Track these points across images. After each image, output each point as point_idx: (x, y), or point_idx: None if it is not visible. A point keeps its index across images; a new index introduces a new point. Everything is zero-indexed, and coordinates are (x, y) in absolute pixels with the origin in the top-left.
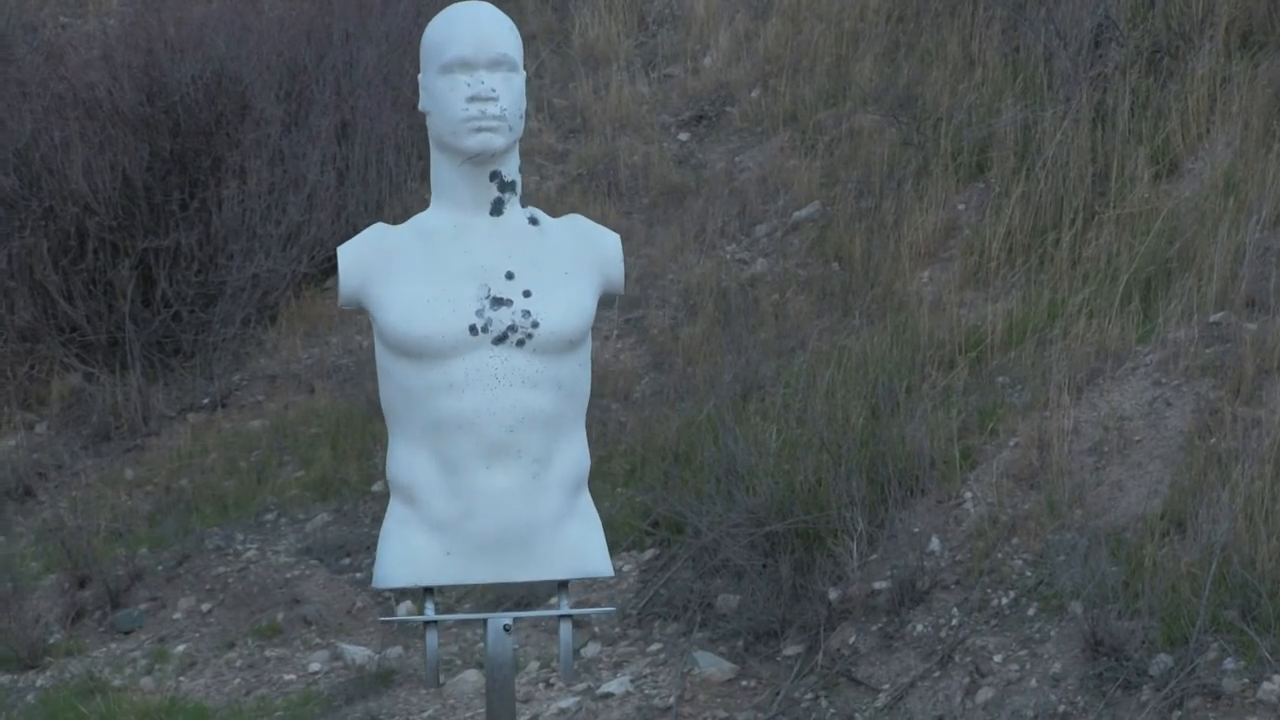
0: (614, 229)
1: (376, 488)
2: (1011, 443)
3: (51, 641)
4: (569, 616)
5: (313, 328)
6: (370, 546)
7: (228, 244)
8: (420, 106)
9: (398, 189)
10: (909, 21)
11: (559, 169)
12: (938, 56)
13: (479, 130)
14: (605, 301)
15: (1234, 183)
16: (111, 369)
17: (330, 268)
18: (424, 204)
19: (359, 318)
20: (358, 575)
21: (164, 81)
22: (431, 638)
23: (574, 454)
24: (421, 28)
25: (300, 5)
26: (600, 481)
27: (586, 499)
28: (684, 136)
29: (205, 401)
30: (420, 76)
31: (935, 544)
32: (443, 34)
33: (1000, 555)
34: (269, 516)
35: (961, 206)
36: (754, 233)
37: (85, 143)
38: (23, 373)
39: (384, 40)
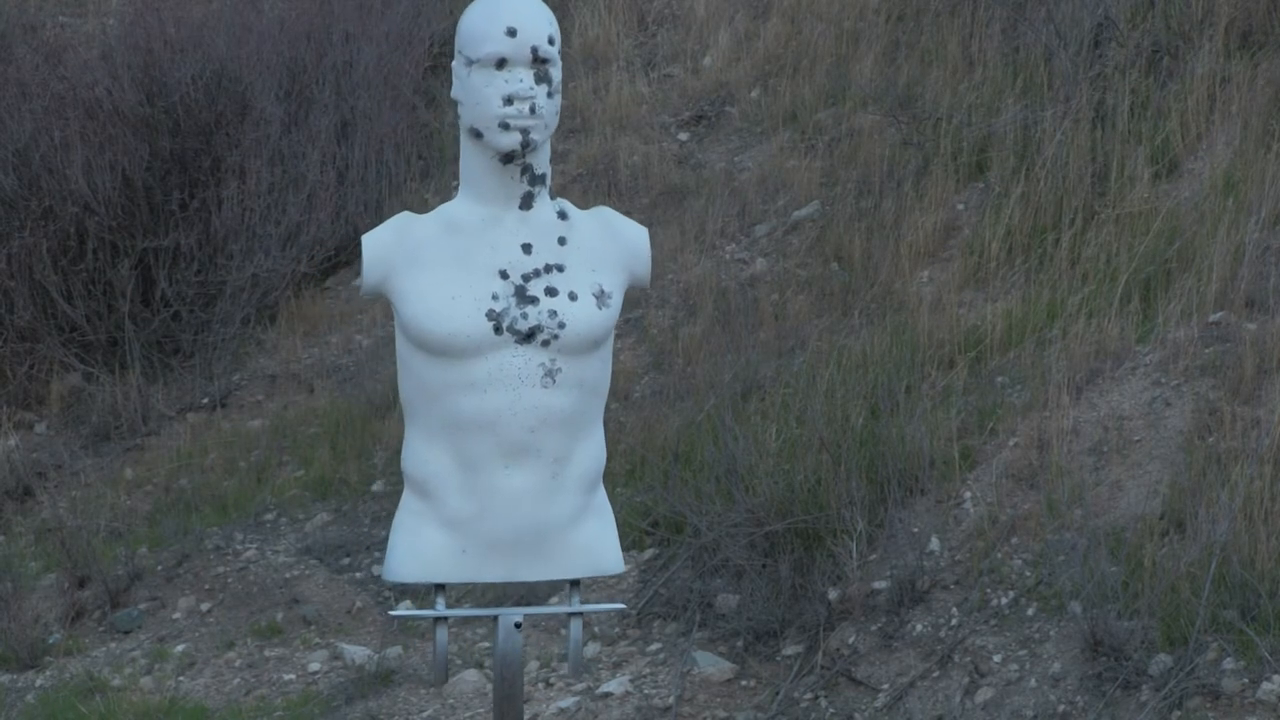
0: None
1: (376, 487)
2: (1011, 443)
3: (51, 641)
4: (579, 614)
5: (312, 327)
6: (370, 546)
7: (227, 244)
8: (453, 94)
9: (397, 189)
10: (909, 21)
11: (559, 169)
12: (938, 56)
13: (514, 130)
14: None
15: (1233, 183)
16: (111, 369)
17: (330, 268)
18: (424, 204)
19: (359, 316)
20: (357, 575)
21: (164, 81)
22: (441, 634)
23: (592, 451)
24: (422, 28)
25: (300, 5)
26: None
27: (602, 495)
28: (684, 136)
29: (205, 401)
30: (454, 63)
31: (935, 544)
32: (481, 27)
33: (1000, 555)
34: (269, 516)
35: (961, 206)
36: (754, 232)
37: (85, 143)
38: (22, 373)
39: (384, 40)
